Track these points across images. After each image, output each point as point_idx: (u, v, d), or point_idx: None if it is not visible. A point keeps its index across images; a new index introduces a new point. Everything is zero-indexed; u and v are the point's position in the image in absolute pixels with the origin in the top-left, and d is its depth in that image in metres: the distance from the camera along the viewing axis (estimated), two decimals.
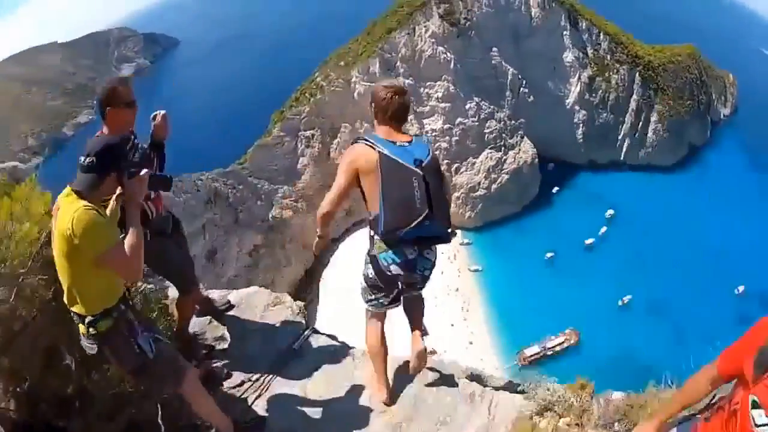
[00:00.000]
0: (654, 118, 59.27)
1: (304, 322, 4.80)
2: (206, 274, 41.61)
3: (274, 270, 48.56)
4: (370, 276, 3.33)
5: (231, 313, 4.67)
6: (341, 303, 46.16)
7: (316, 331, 4.63)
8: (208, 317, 4.59)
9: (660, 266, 50.27)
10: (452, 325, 44.82)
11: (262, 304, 4.90)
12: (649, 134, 59.58)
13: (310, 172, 48.73)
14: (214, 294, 4.99)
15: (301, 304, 5.22)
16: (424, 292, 3.87)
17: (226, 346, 4.35)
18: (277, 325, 4.58)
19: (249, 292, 5.17)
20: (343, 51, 55.12)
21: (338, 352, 4.38)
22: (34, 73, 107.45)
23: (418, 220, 3.03)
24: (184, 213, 39.46)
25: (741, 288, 50.93)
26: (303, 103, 51.09)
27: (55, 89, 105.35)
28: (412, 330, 3.81)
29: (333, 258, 47.96)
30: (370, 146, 3.17)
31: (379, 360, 3.67)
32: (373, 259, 3.26)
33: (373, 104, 3.53)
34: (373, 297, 3.45)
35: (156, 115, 3.74)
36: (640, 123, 59.45)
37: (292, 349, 4.19)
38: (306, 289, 47.47)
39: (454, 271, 47.37)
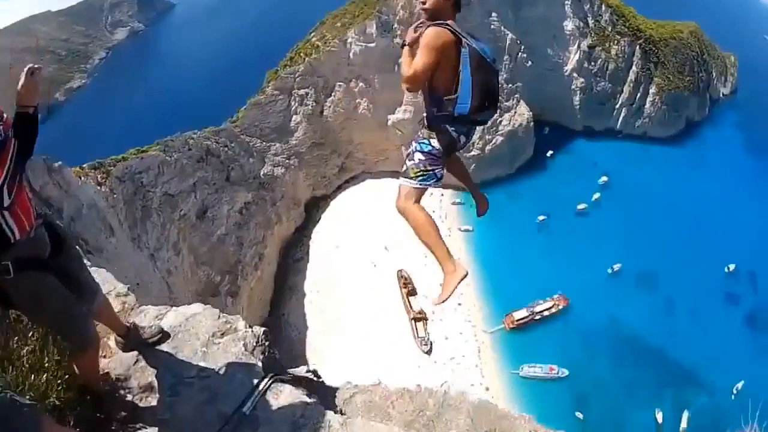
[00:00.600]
0: (653, 90, 58.83)
1: (260, 364, 3.60)
2: (196, 233, 41.41)
3: (265, 227, 48.32)
4: (436, 149, 3.70)
5: (165, 347, 3.56)
6: (331, 262, 46.26)
7: (279, 380, 3.51)
8: (136, 353, 3.49)
9: (651, 237, 50.31)
10: (441, 285, 44.54)
11: (205, 333, 3.73)
12: (647, 106, 59.17)
13: (303, 129, 48.21)
14: (146, 314, 3.92)
15: (259, 331, 4.15)
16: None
17: (155, 402, 3.23)
18: (223, 370, 3.44)
19: (191, 312, 4.07)
20: (339, 12, 54.28)
21: (310, 416, 3.20)
22: (27, 43, 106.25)
23: (493, 109, 3.62)
24: (175, 170, 39.14)
25: (731, 266, 51.13)
26: (298, 63, 50.28)
27: (48, 57, 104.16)
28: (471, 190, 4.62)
29: (323, 215, 47.70)
30: (456, 34, 3.41)
31: (436, 235, 3.80)
32: (444, 131, 3.67)
33: None
34: (431, 170, 3.73)
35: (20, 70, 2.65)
36: (638, 94, 59.00)
37: (240, 414, 3.06)
38: (296, 247, 47.35)
39: (445, 230, 46.89)
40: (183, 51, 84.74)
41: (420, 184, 3.72)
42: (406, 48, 3.64)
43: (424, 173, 3.71)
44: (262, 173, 48.70)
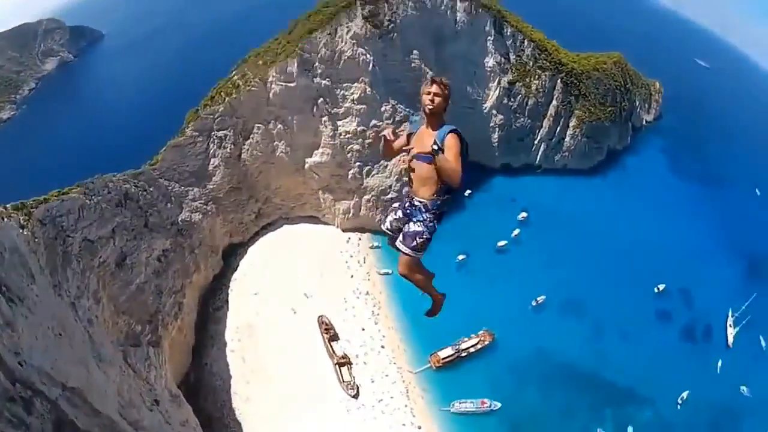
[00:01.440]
0: (573, 123, 60.55)
1: None
2: (115, 281, 39.70)
3: (183, 275, 46.69)
4: (436, 227, 5.70)
5: None
6: (250, 310, 44.96)
7: None
8: None
9: (574, 267, 51.51)
10: (363, 329, 44.30)
11: None
12: (567, 139, 60.82)
13: (221, 173, 47.04)
14: None
15: None
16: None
17: None
18: None
19: None
20: (262, 50, 53.69)
21: None
22: None
23: None
24: (94, 215, 37.63)
25: (661, 286, 52.94)
26: (218, 102, 49.33)
27: None
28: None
29: (241, 262, 46.43)
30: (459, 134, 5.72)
31: (430, 284, 6.35)
32: (440, 210, 5.86)
33: (449, 98, 6.03)
34: (430, 238, 5.76)
35: None
36: (558, 128, 60.57)
37: None
38: (215, 295, 45.84)
39: (364, 275, 46.95)
40: (109, 85, 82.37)
41: (422, 252, 5.73)
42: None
43: (427, 246, 5.69)
44: (179, 219, 47.23)
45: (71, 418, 11.59)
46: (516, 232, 52.73)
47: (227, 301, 44.87)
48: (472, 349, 45.30)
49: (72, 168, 50.59)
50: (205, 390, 42.93)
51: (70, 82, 78.79)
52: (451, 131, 5.76)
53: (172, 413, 35.44)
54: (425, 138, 5.94)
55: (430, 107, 5.99)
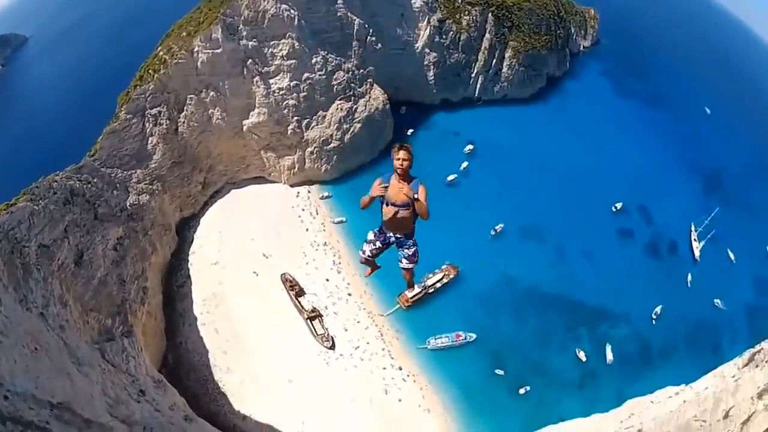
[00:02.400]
0: (509, 54, 60.96)
1: None
2: (77, 280, 38.70)
3: (142, 259, 45.88)
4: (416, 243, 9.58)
5: None
6: (213, 280, 44.50)
7: None
8: None
9: (528, 194, 52.30)
10: (327, 279, 44.50)
11: None
12: (504, 70, 61.25)
13: (160, 150, 45.92)
14: None
15: None
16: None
17: None
18: None
19: None
20: (184, 21, 52.04)
21: None
22: None
23: None
24: (44, 219, 36.48)
25: (618, 205, 54.02)
26: (148, 81, 47.82)
27: None
28: None
29: (196, 235, 45.80)
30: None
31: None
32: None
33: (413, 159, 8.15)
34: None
35: None
36: (494, 60, 60.85)
37: None
38: (176, 272, 45.19)
39: (319, 226, 46.99)
40: (40, 86, 78.67)
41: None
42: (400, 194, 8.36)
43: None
44: (128, 204, 46.21)
45: None
46: (464, 164, 53.00)
47: (189, 276, 44.30)
48: (438, 285, 46.00)
49: (16, 176, 48.62)
50: (186, 369, 42.66)
51: (1, 92, 75.09)
52: (420, 182, 8.41)
53: (159, 399, 35.17)
54: (398, 190, 8.33)
55: (401, 170, 8.27)
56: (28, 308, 27.80)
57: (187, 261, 44.71)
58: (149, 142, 46.76)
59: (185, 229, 46.22)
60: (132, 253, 45.77)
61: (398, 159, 7.99)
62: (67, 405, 17.55)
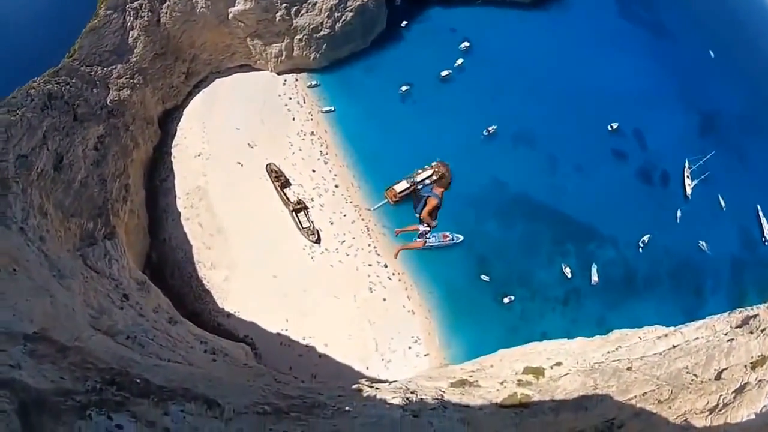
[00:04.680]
0: None
1: None
2: (57, 186, 37.60)
3: (123, 156, 44.73)
4: None
5: None
6: (197, 172, 43.32)
7: None
8: None
9: (523, 99, 50.31)
10: (314, 170, 43.24)
11: None
12: None
13: (141, 43, 44.19)
14: None
15: None
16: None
17: None
18: None
19: None
20: None
21: None
22: None
23: None
24: (22, 129, 35.15)
25: (614, 125, 52.24)
26: None
27: None
28: None
29: (179, 127, 44.48)
30: None
31: None
32: None
33: None
34: None
35: None
36: None
37: None
38: (159, 167, 44.06)
39: (306, 115, 45.43)
40: None
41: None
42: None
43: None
44: (108, 101, 44.70)
45: (34, 387, 10.46)
46: (459, 61, 50.86)
47: (172, 170, 43.13)
48: (427, 181, 44.37)
49: None
50: (170, 267, 41.96)
51: None
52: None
53: (143, 303, 34.45)
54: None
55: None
56: (6, 225, 26.84)
57: (170, 154, 43.45)
58: (130, 36, 45.02)
59: (168, 121, 44.87)
60: (113, 150, 44.54)
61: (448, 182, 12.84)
62: (43, 333, 16.60)
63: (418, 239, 14.52)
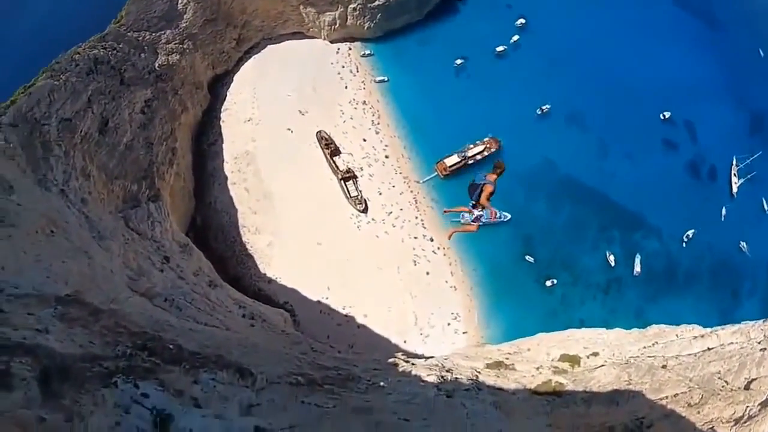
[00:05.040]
0: None
1: None
2: (101, 149, 37.60)
3: (171, 120, 44.64)
4: None
5: None
6: (245, 137, 43.04)
7: None
8: None
9: (578, 79, 49.04)
10: (364, 140, 42.71)
11: None
12: None
13: (191, 9, 43.91)
14: None
15: None
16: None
17: None
18: None
19: None
20: None
21: None
22: None
23: None
24: (66, 93, 35.13)
25: (667, 114, 50.89)
26: None
27: None
28: None
29: (229, 92, 44.21)
30: None
31: None
32: None
33: None
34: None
35: None
36: None
37: None
38: (207, 131, 43.87)
39: (359, 84, 44.94)
40: None
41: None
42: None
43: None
44: (156, 65, 44.55)
45: (60, 352, 10.05)
46: (515, 38, 49.76)
47: (221, 134, 42.98)
48: (479, 157, 43.79)
49: (35, 60, 46.91)
50: (214, 230, 41.91)
51: None
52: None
53: (184, 266, 34.34)
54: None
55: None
56: (47, 187, 26.76)
57: (219, 119, 43.28)
58: (179, 2, 44.86)
59: (218, 86, 44.68)
60: (160, 114, 44.44)
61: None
62: (76, 296, 16.31)
63: (472, 222, 15.91)
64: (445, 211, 18.18)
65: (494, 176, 13.67)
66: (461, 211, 15.78)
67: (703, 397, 16.35)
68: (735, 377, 17.53)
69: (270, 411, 11.22)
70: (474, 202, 14.54)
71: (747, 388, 16.76)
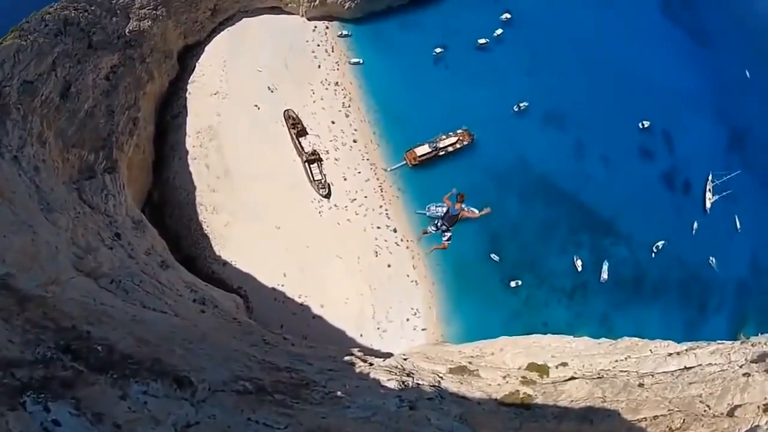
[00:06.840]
0: None
1: None
2: (61, 114, 35.79)
3: (136, 88, 42.86)
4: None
5: None
6: (210, 110, 41.46)
7: None
8: None
9: (559, 79, 48.13)
10: (333, 122, 41.34)
11: None
12: None
13: None
14: None
15: None
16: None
17: None
18: None
19: None
20: None
21: None
22: None
23: None
24: (32, 54, 33.26)
25: (646, 123, 50.37)
26: None
27: None
28: None
29: (198, 63, 42.57)
30: None
31: None
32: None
33: None
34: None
35: None
36: None
37: None
38: (172, 102, 42.23)
39: (333, 64, 43.52)
40: None
41: None
42: None
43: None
44: (127, 31, 42.76)
45: None
46: (499, 31, 48.70)
47: (185, 107, 41.25)
48: (450, 149, 42.73)
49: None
50: (170, 207, 40.18)
51: None
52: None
53: (136, 244, 32.50)
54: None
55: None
56: (0, 154, 25.36)
57: (186, 90, 41.53)
58: None
59: (188, 57, 42.98)
60: (126, 81, 42.55)
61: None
62: (5, 279, 14.57)
63: (444, 241, 18.25)
64: (424, 233, 19.89)
65: (460, 204, 16.87)
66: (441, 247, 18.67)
67: (685, 422, 15.34)
68: (717, 402, 16.58)
69: None
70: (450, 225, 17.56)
71: (731, 414, 15.87)
